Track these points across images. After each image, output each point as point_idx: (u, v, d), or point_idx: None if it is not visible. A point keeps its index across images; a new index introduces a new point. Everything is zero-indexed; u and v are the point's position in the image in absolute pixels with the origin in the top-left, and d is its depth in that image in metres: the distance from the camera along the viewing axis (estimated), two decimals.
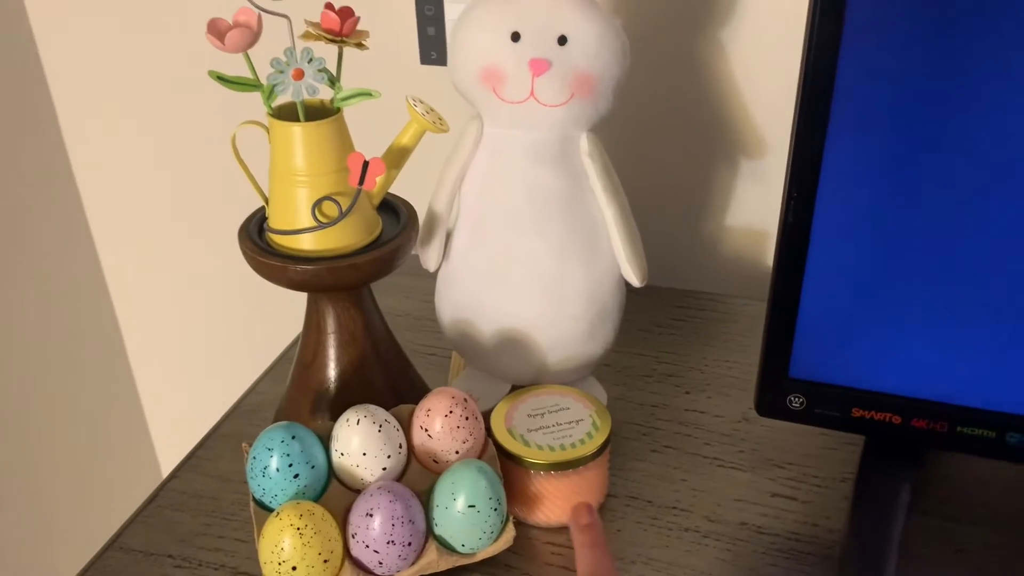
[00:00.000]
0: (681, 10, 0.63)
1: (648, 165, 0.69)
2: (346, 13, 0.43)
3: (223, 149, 0.79)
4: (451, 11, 0.67)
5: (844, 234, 0.41)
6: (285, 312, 0.83)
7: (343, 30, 0.43)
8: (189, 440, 0.58)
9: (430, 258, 0.51)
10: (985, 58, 0.36)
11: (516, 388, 0.53)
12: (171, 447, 1.04)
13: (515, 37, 0.45)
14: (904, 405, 0.44)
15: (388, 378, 0.51)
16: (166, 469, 1.05)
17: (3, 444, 0.85)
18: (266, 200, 0.47)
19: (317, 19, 0.43)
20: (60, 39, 0.82)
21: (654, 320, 0.64)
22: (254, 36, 0.42)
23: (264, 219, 0.48)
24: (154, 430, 1.03)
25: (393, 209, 0.50)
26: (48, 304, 0.88)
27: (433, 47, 0.69)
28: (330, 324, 0.49)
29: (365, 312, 0.50)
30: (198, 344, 0.95)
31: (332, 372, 0.50)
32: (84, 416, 0.94)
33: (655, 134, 0.68)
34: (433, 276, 0.54)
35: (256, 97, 0.44)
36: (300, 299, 0.50)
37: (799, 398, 0.45)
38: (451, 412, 0.45)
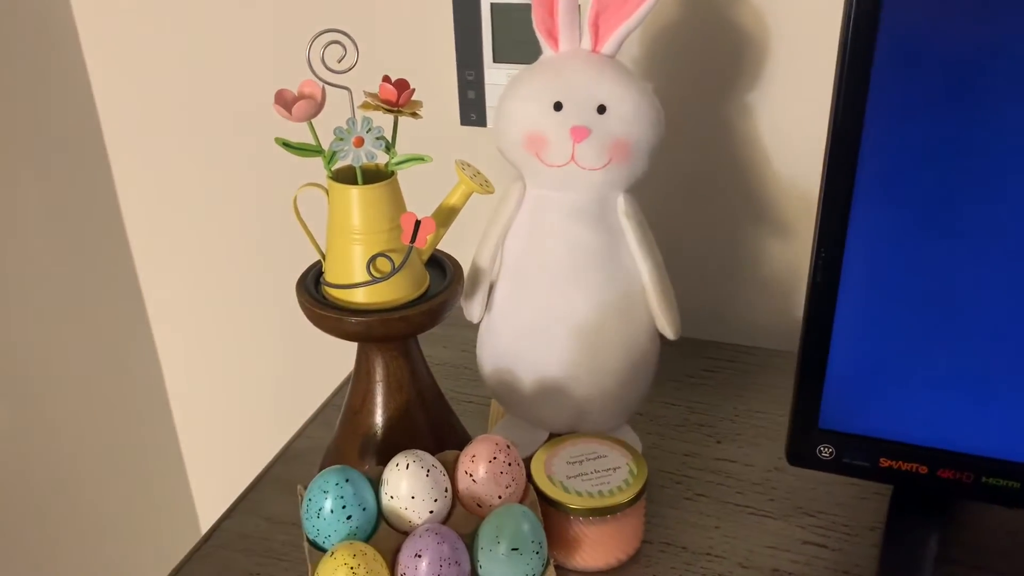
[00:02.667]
0: (712, 75, 0.67)
1: (681, 222, 0.72)
2: (402, 85, 0.47)
3: (271, 206, 0.84)
4: (490, 76, 0.71)
5: (871, 291, 0.44)
6: (326, 363, 0.86)
7: (399, 101, 0.47)
8: (227, 484, 0.60)
9: (474, 310, 0.54)
10: (1015, 120, 0.39)
11: (554, 436, 0.55)
12: (209, 490, 1.06)
13: (557, 107, 0.48)
14: (931, 456, 0.45)
15: (431, 424, 0.54)
16: (203, 513, 1.07)
17: (45, 485, 0.88)
18: (323, 256, 0.51)
19: (375, 90, 0.47)
20: (120, 100, 0.87)
21: (685, 371, 0.67)
22: (318, 107, 0.46)
23: (320, 273, 0.51)
24: (192, 475, 1.06)
25: (439, 264, 0.53)
26: (92, 345, 0.92)
27: (473, 109, 0.73)
28: (379, 372, 0.52)
29: (412, 361, 0.52)
30: (240, 390, 0.98)
31: (379, 418, 0.52)
32: (126, 457, 0.97)
33: (688, 193, 0.71)
34: (473, 327, 0.57)
35: (301, 159, 0.48)
36: (341, 351, 0.52)
37: (828, 448, 0.47)
38: (495, 458, 0.47)
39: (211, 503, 1.06)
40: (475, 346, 0.57)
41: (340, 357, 0.68)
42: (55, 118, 0.84)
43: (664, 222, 0.71)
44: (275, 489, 0.57)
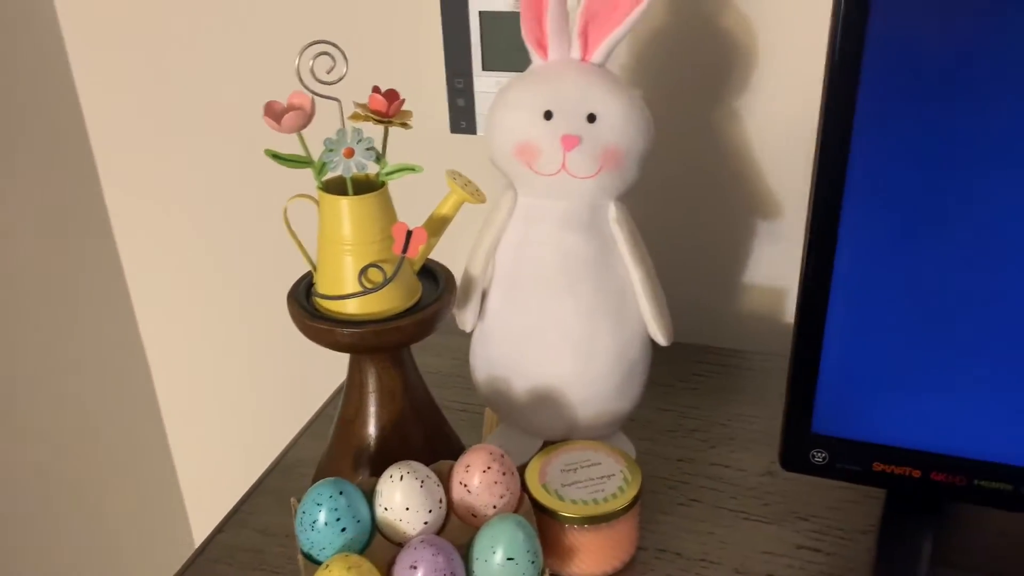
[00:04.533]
0: (702, 81, 0.67)
1: (672, 227, 0.72)
2: (392, 96, 0.47)
3: (262, 216, 0.84)
4: (479, 84, 0.71)
5: (861, 296, 0.44)
6: (318, 372, 0.86)
7: (389, 111, 0.46)
8: (220, 495, 0.60)
9: (467, 319, 0.54)
10: (1004, 126, 0.39)
11: (548, 443, 0.55)
12: (202, 502, 1.06)
13: (548, 115, 0.48)
14: (924, 459, 0.46)
15: (425, 434, 0.54)
16: (196, 525, 1.07)
17: (36, 499, 0.87)
18: (314, 267, 0.51)
19: (365, 101, 0.47)
20: (110, 112, 0.86)
21: (678, 376, 0.67)
22: (308, 118, 0.45)
23: (311, 284, 0.51)
24: (185, 488, 1.05)
25: (431, 273, 0.53)
26: (84, 357, 0.92)
27: (463, 117, 0.73)
28: (372, 383, 0.51)
29: (405, 371, 0.52)
30: (231, 402, 0.98)
31: (373, 429, 0.52)
32: (118, 470, 0.97)
33: (679, 199, 0.71)
34: (466, 335, 0.57)
35: (290, 169, 0.48)
36: (333, 360, 0.52)
37: (822, 453, 0.47)
38: (489, 468, 0.47)
39: (204, 516, 1.06)
40: (468, 355, 0.57)
41: (332, 367, 0.68)
42: (43, 131, 0.84)
43: (655, 227, 0.71)
44: (269, 501, 0.57)
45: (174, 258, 0.91)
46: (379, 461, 0.51)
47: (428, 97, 0.74)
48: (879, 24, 0.39)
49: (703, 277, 0.73)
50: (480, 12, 0.68)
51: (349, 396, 0.53)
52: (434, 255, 0.53)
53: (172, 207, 0.88)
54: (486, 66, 0.70)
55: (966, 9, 0.38)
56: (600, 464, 0.51)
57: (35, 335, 0.85)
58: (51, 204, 0.85)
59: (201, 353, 0.96)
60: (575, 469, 0.50)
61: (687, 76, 0.67)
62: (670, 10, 0.65)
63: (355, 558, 0.44)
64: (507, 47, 0.69)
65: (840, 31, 0.40)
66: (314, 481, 0.48)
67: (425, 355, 0.69)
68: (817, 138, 0.42)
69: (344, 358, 0.52)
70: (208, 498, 1.05)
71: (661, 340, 0.53)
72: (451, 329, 0.56)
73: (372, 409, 0.52)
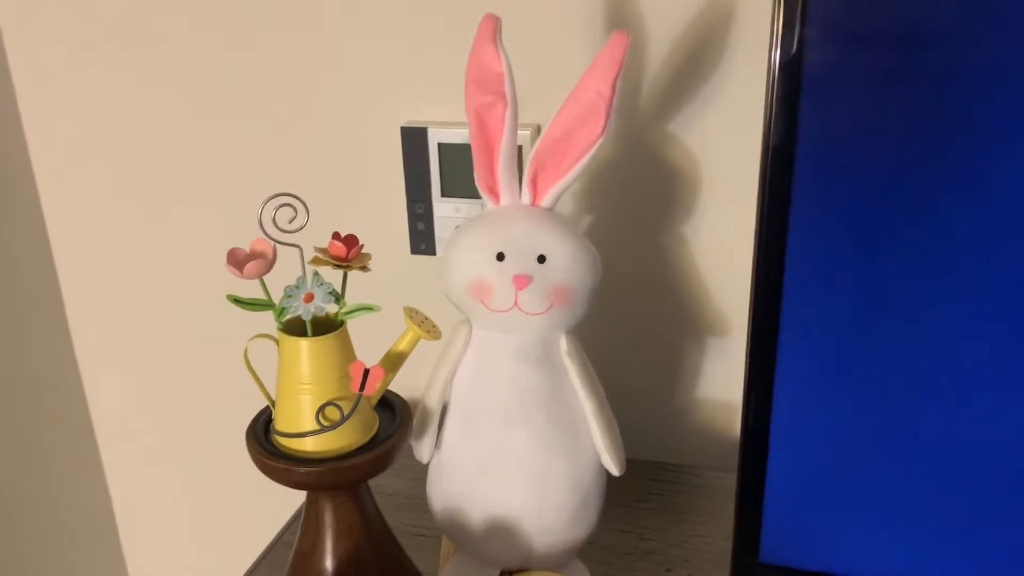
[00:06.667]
0: (648, 209, 0.70)
1: (625, 346, 0.74)
2: (351, 242, 0.49)
3: (224, 353, 0.85)
4: (438, 209, 0.73)
5: (801, 433, 0.46)
6: (274, 501, 0.85)
7: (349, 256, 0.49)
8: None
9: (423, 451, 0.55)
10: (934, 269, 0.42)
11: (504, 573, 0.55)
12: None
13: (500, 257, 0.51)
14: None
15: (381, 565, 0.54)
16: None
17: None
18: (272, 404, 0.52)
19: (326, 245, 0.49)
20: (77, 252, 0.88)
21: (633, 495, 0.68)
22: (269, 265, 0.47)
23: (269, 420, 0.52)
24: None
25: (389, 405, 0.54)
26: (42, 475, 0.90)
27: (422, 240, 0.75)
28: (328, 517, 0.52)
29: (362, 506, 0.53)
30: (189, 530, 0.96)
31: (329, 563, 0.52)
32: None
33: (630, 319, 0.74)
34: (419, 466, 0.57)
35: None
36: (290, 490, 0.53)
37: None
38: None
39: None
40: (426, 476, 0.58)
41: (291, 494, 0.68)
42: (10, 260, 0.84)
43: (607, 345, 0.74)
44: None
45: (135, 382, 0.91)
46: None
47: (389, 220, 0.76)
48: (806, 159, 0.42)
49: (656, 395, 0.75)
50: (439, 144, 0.71)
51: (306, 530, 0.53)
52: (393, 386, 0.54)
53: (139, 344, 0.89)
54: (444, 192, 0.73)
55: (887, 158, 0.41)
56: None
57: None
58: (21, 356, 0.86)
59: (159, 480, 0.95)
60: None
61: (636, 203, 0.70)
62: (619, 143, 0.69)
63: None
64: (464, 175, 0.72)
65: (770, 161, 0.42)
66: None
67: (385, 476, 0.69)
68: (753, 262, 0.45)
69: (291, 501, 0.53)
70: None
71: (614, 470, 0.54)
72: (411, 451, 0.57)
73: (329, 544, 0.52)
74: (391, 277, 0.75)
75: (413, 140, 0.72)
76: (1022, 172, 0.40)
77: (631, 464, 0.67)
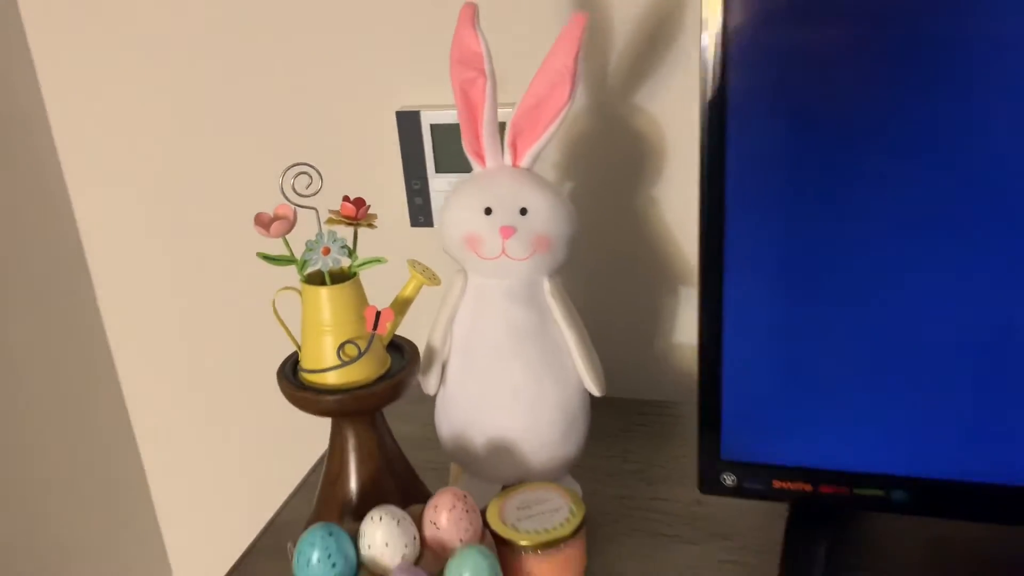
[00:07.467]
0: (622, 176, 0.79)
1: (608, 299, 0.83)
2: (360, 203, 0.57)
3: (252, 307, 0.94)
4: (434, 184, 0.82)
5: (749, 347, 0.54)
6: (296, 451, 0.94)
7: (358, 215, 0.57)
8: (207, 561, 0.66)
9: (430, 384, 0.64)
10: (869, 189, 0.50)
11: (506, 488, 0.64)
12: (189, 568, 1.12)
13: (488, 211, 0.59)
14: (813, 475, 0.55)
15: (398, 485, 0.62)
16: None
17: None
18: (298, 346, 0.60)
19: (338, 208, 0.58)
20: (108, 228, 0.96)
21: (620, 427, 0.76)
22: (291, 226, 0.56)
23: (295, 363, 0.61)
24: (172, 555, 1.11)
25: (398, 347, 0.63)
26: (74, 443, 0.98)
27: (420, 213, 0.84)
28: (351, 444, 0.60)
29: (379, 433, 0.61)
30: (217, 474, 1.05)
31: (354, 483, 0.61)
32: (107, 547, 1.02)
33: (612, 273, 0.82)
34: (430, 402, 0.66)
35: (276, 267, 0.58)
36: (312, 437, 0.61)
37: (731, 476, 0.57)
38: (454, 507, 0.56)
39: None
40: (433, 418, 0.66)
41: (313, 442, 0.76)
42: (38, 238, 0.93)
43: (594, 300, 0.82)
44: (264, 557, 0.64)
45: (169, 349, 1.00)
46: (361, 510, 0.59)
47: (390, 197, 0.85)
48: (736, 133, 0.50)
49: (639, 341, 0.83)
50: (431, 125, 0.80)
51: (332, 457, 0.61)
52: (400, 332, 0.63)
53: (171, 304, 0.98)
54: (438, 169, 0.81)
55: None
56: (550, 501, 0.59)
57: (22, 400, 0.92)
58: (44, 293, 0.94)
59: (192, 431, 1.03)
60: (529, 506, 0.59)
61: (611, 170, 0.79)
62: (593, 117, 0.78)
63: None
64: (455, 152, 0.80)
65: (707, 133, 0.51)
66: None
67: (397, 422, 0.78)
68: (699, 218, 0.53)
69: (324, 432, 0.61)
70: (198, 570, 1.11)
71: (595, 391, 0.63)
72: (418, 398, 0.65)
73: (353, 466, 0.61)
74: (394, 248, 0.84)
75: (408, 123, 0.81)
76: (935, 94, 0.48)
77: (617, 402, 0.76)
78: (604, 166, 0.79)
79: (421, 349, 0.63)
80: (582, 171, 0.80)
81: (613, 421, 0.76)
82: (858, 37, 0.47)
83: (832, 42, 0.48)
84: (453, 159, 0.81)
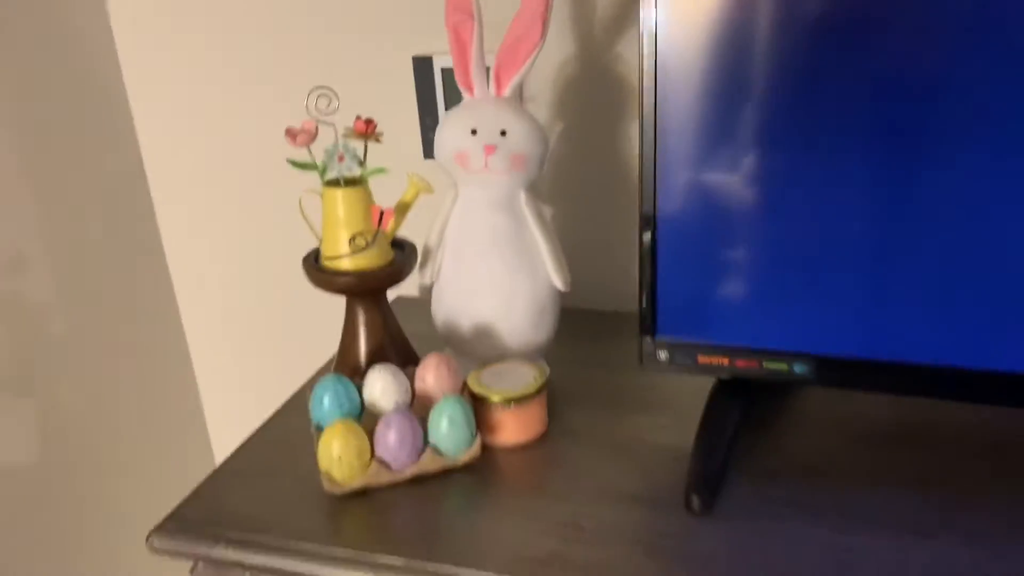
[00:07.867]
0: (602, 115, 0.91)
1: (583, 216, 0.95)
2: (370, 122, 0.71)
3: (281, 207, 1.08)
4: None
5: (675, 246, 0.66)
6: (318, 339, 1.08)
7: (368, 131, 0.71)
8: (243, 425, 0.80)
9: (426, 276, 0.77)
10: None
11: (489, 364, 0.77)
12: (227, 433, 1.28)
13: (473, 132, 0.72)
14: (729, 351, 0.67)
15: (397, 353, 0.76)
16: (219, 451, 1.29)
17: (59, 439, 1.09)
18: (319, 239, 0.74)
19: (352, 125, 0.71)
20: (166, 144, 1.12)
21: (591, 334, 0.89)
22: (313, 137, 0.69)
23: (316, 255, 0.75)
24: (211, 421, 1.28)
25: (400, 245, 0.76)
26: (119, 315, 1.14)
27: (432, 147, 0.97)
28: (361, 319, 0.75)
29: (384, 312, 0.75)
30: (256, 353, 1.21)
31: (363, 349, 0.75)
32: (145, 404, 1.18)
33: (591, 197, 0.95)
34: (423, 305, 0.79)
35: (302, 173, 0.72)
36: (331, 326, 0.74)
37: (665, 352, 0.70)
38: (439, 367, 0.70)
39: (227, 440, 1.28)
40: (425, 321, 0.80)
41: (332, 331, 0.91)
42: (97, 146, 1.08)
43: (573, 216, 0.94)
44: (293, 413, 0.79)
45: (215, 243, 1.15)
46: (368, 370, 0.74)
47: (406, 132, 0.98)
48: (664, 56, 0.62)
49: (609, 255, 0.96)
50: (442, 68, 0.93)
51: (347, 329, 0.76)
52: (401, 234, 0.76)
53: (218, 205, 1.12)
54: (448, 107, 0.94)
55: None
56: (519, 371, 0.73)
57: (70, 289, 1.08)
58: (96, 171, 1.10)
59: (234, 315, 1.18)
60: (501, 375, 0.73)
61: (594, 110, 0.91)
62: (578, 64, 0.90)
63: (349, 421, 0.66)
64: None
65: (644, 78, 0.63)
66: None
67: (402, 321, 0.92)
68: (639, 149, 0.65)
69: (339, 320, 0.75)
70: (232, 431, 1.27)
71: (560, 285, 0.76)
72: (412, 305, 0.79)
73: (363, 336, 0.75)
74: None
75: (422, 67, 0.94)
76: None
77: (589, 313, 0.89)
78: (589, 107, 0.91)
79: (420, 250, 0.77)
80: (569, 111, 0.92)
81: (585, 330, 0.89)
82: None
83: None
84: (460, 99, 0.93)
